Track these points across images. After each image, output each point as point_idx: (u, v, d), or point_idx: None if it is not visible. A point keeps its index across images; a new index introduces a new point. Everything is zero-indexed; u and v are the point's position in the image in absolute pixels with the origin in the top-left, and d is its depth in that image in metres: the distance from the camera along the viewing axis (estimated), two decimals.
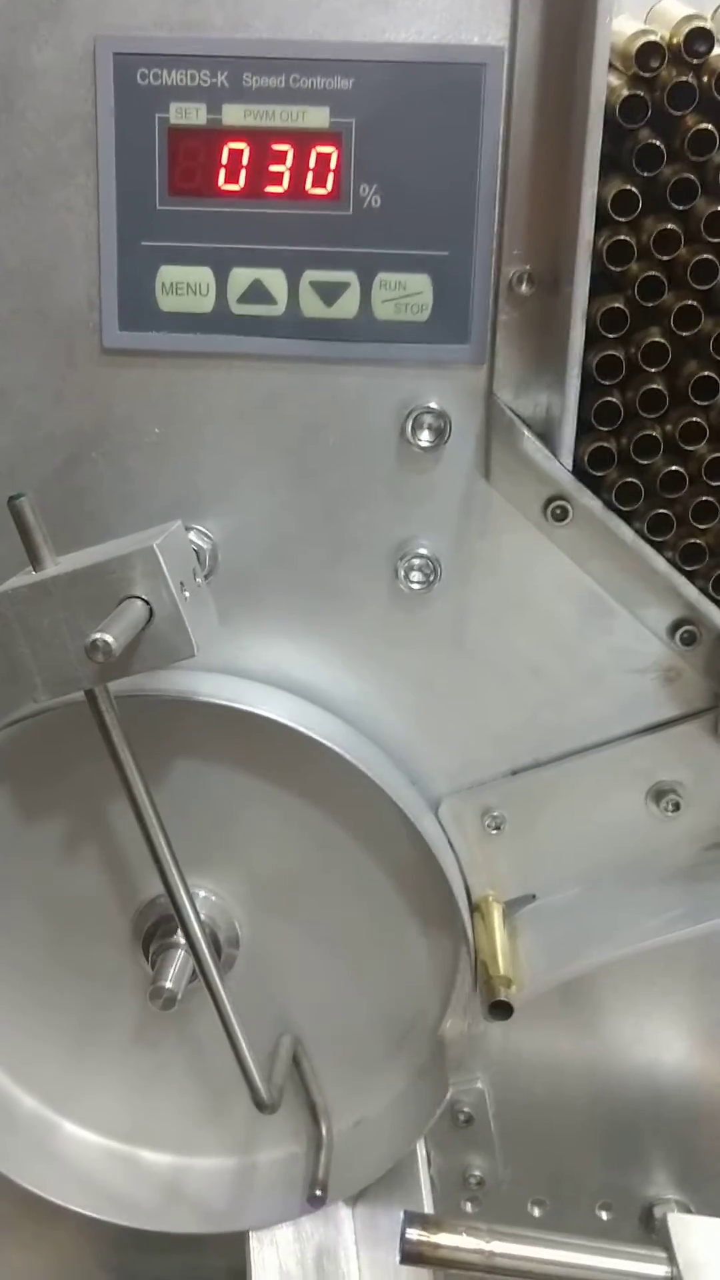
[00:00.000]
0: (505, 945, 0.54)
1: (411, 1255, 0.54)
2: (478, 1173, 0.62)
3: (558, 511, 0.49)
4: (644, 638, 0.53)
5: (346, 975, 0.58)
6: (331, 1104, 0.59)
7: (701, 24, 0.40)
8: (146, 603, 0.42)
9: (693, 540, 0.46)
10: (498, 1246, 0.54)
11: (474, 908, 0.56)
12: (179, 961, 0.53)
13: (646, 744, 0.55)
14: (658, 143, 0.41)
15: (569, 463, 0.46)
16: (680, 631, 0.52)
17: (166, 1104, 0.61)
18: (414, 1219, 0.55)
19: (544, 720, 0.56)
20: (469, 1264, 0.54)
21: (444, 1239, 0.54)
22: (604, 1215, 0.63)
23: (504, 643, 0.54)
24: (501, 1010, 0.52)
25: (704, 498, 0.45)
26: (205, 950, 0.51)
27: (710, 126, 0.41)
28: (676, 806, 0.55)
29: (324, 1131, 0.59)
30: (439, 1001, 0.58)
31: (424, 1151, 0.61)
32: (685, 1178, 0.62)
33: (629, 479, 0.45)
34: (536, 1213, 0.63)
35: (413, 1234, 0.54)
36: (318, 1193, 0.56)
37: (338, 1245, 0.60)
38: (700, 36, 0.40)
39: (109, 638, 0.39)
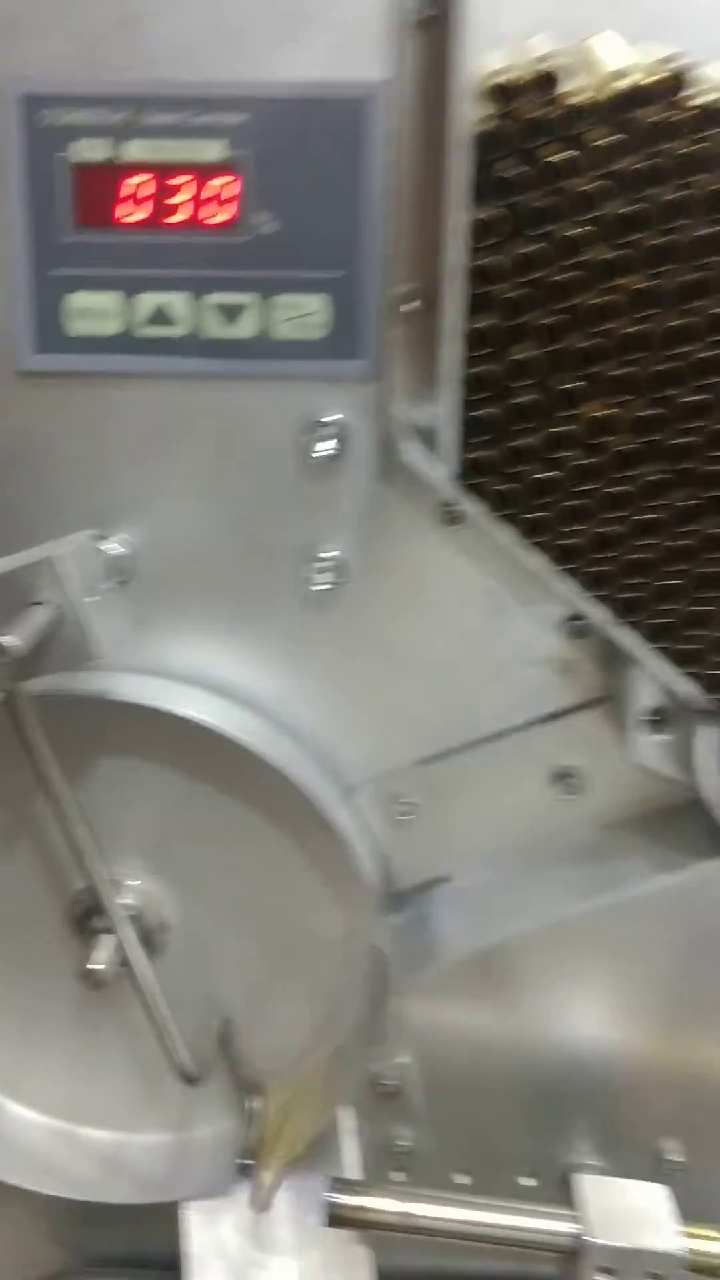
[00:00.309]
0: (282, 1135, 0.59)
1: (336, 1218, 0.58)
2: (405, 1143, 0.65)
3: (449, 516, 0.53)
4: (539, 632, 0.57)
5: (274, 958, 0.61)
6: (263, 1080, 0.62)
7: (549, 67, 0.43)
8: (52, 607, 0.45)
9: (569, 541, 0.49)
10: (416, 1208, 0.58)
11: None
12: (108, 945, 0.57)
13: (547, 731, 0.58)
14: (507, 174, 0.44)
15: (451, 470, 0.49)
16: (571, 626, 0.56)
17: (107, 1084, 0.64)
18: (338, 1184, 0.58)
19: (451, 711, 0.59)
20: (390, 1225, 0.58)
21: (366, 1202, 0.58)
22: (527, 1182, 0.66)
23: (411, 639, 0.58)
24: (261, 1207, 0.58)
25: (576, 502, 0.48)
26: (128, 934, 0.54)
27: (569, 153, 0.44)
28: (576, 788, 0.59)
29: (254, 1107, 0.62)
30: (359, 981, 0.61)
31: (353, 1124, 0.64)
32: (604, 1144, 0.65)
33: (511, 484, 0.49)
34: (463, 1180, 0.66)
35: (336, 1198, 0.58)
36: (247, 1163, 0.59)
37: (272, 1214, 0.63)
38: (547, 77, 0.43)
39: (10, 640, 0.42)
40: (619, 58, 0.45)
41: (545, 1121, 0.65)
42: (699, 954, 0.60)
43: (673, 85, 0.43)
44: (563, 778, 0.59)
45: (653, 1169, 0.63)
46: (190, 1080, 0.56)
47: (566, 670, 0.57)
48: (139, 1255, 0.69)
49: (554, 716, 0.58)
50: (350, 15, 0.49)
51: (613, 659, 0.55)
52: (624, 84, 0.43)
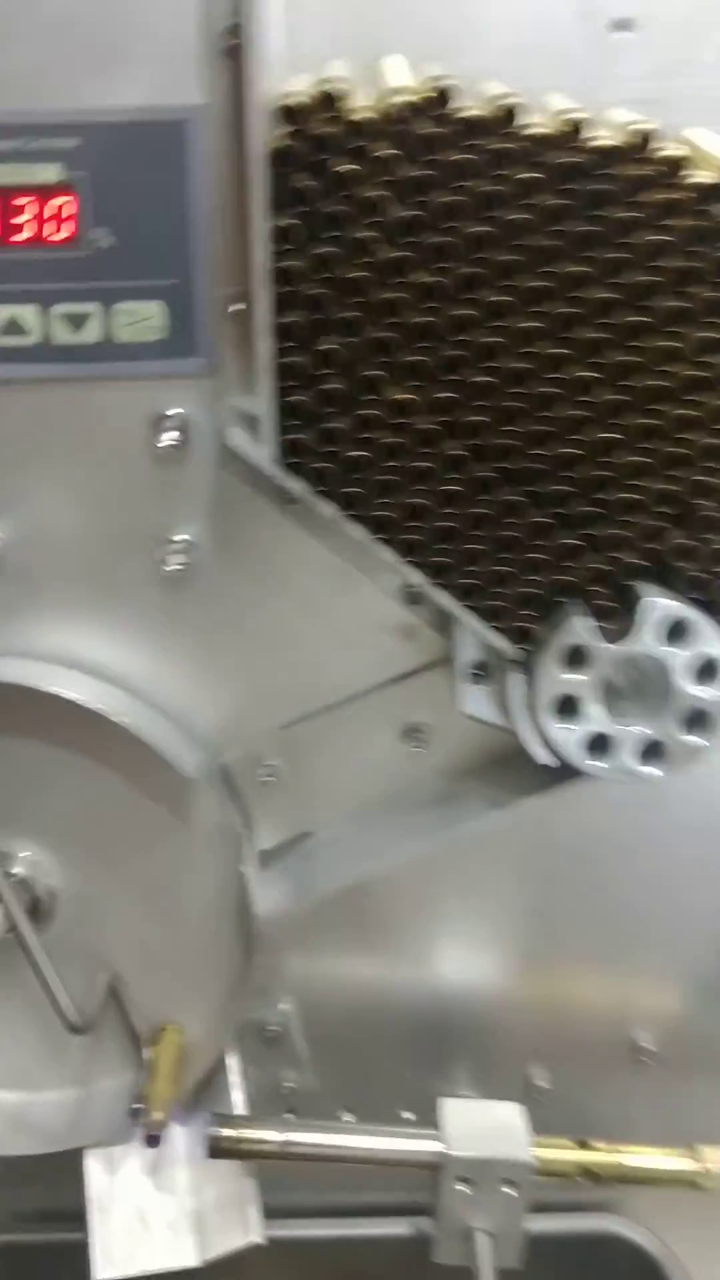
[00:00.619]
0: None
1: (217, 1150, 0.63)
2: (290, 1084, 0.70)
3: (285, 496, 0.58)
4: (381, 601, 0.62)
5: (157, 918, 0.66)
6: (153, 1029, 0.67)
7: (330, 88, 0.48)
8: None
9: (382, 513, 0.54)
10: (292, 1136, 0.63)
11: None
12: None
13: (395, 692, 0.64)
14: (300, 185, 0.49)
15: (272, 453, 0.54)
16: (408, 593, 0.61)
17: (8, 1044, 0.68)
18: (218, 1119, 0.63)
19: (306, 678, 0.64)
20: (268, 1153, 0.63)
21: (244, 1133, 0.63)
22: (408, 1115, 0.71)
23: (265, 612, 0.62)
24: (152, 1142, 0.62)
25: (385, 477, 0.53)
26: (11, 901, 0.60)
27: (353, 165, 0.49)
28: (423, 743, 0.64)
29: (144, 1056, 0.66)
30: (236, 934, 0.66)
31: (238, 1067, 0.68)
32: (476, 1075, 0.70)
33: (326, 464, 0.54)
34: (349, 1119, 0.71)
35: (216, 1131, 0.62)
36: (137, 1106, 0.64)
37: (170, 1156, 0.68)
38: (329, 97, 0.48)
39: None
40: (399, 77, 0.50)
41: (420, 1057, 0.70)
42: (545, 886, 0.66)
43: (439, 100, 0.48)
44: (411, 733, 0.64)
45: (522, 1095, 0.68)
46: (76, 1030, 0.61)
47: (408, 635, 0.63)
48: (52, 1210, 0.74)
49: (400, 678, 0.64)
50: (167, 47, 0.53)
51: (446, 621, 0.61)
52: (399, 100, 0.49)
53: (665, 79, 0.54)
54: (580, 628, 0.55)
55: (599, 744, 0.56)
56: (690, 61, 0.54)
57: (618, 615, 0.56)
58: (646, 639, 0.55)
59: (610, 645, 0.55)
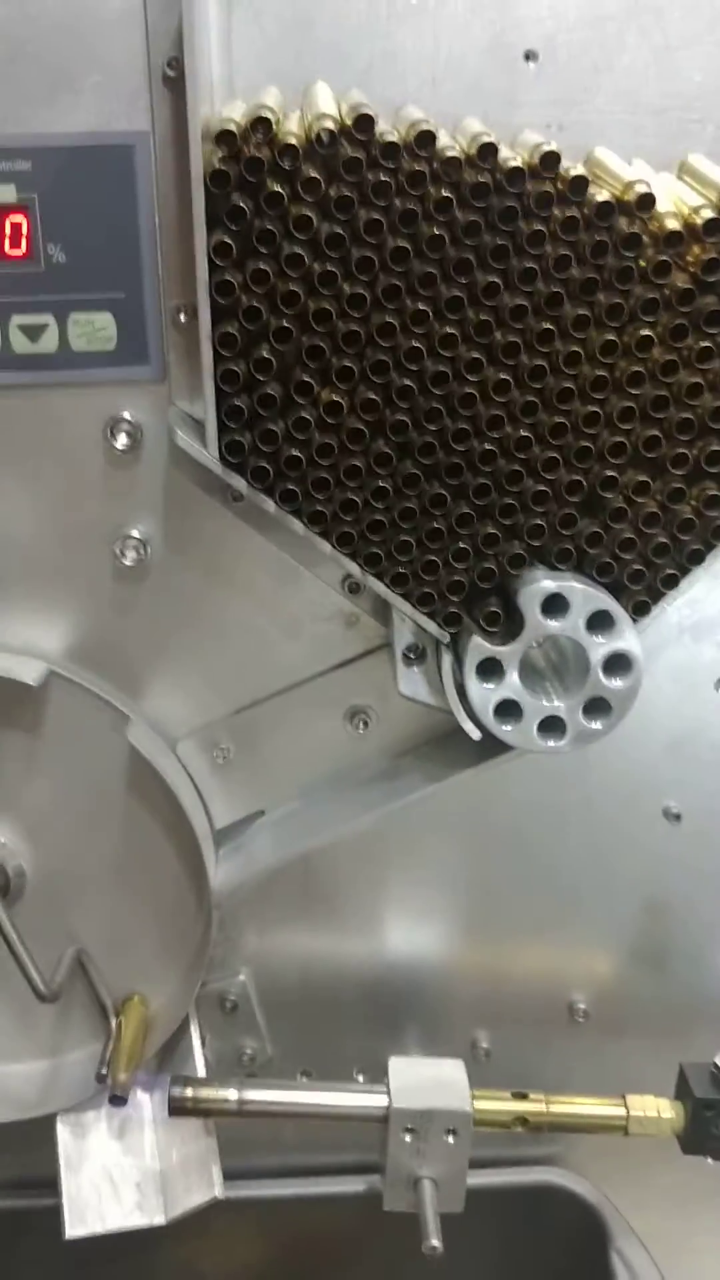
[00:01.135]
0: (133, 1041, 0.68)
1: (177, 1108, 0.66)
2: (249, 1051, 0.74)
3: (231, 494, 0.62)
4: (325, 591, 0.66)
5: (122, 895, 0.70)
6: (119, 1000, 0.71)
7: (262, 114, 0.52)
8: None
9: (318, 508, 0.59)
10: (248, 1094, 0.67)
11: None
12: None
13: (340, 677, 0.68)
14: (237, 204, 0.53)
15: (215, 453, 0.58)
16: (347, 582, 0.65)
17: None
18: (178, 1080, 0.67)
19: (256, 666, 0.68)
20: (225, 1110, 0.66)
21: (203, 1092, 0.66)
22: (361, 1077, 0.75)
23: (215, 604, 0.67)
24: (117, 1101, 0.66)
25: (320, 474, 0.58)
26: None
27: (281, 187, 0.53)
28: (367, 724, 0.68)
29: (112, 1025, 0.70)
30: (197, 910, 0.70)
31: (198, 1035, 0.72)
32: (423, 1038, 0.75)
33: (265, 463, 0.58)
34: (305, 1081, 0.75)
35: (176, 1091, 0.66)
36: (103, 1071, 0.68)
37: (137, 1120, 0.72)
38: (261, 122, 0.52)
39: None
40: (326, 105, 0.55)
41: (372, 1023, 0.74)
42: (484, 860, 0.70)
43: (363, 126, 0.53)
44: (355, 715, 0.68)
45: (469, 1057, 0.72)
46: (43, 998, 0.65)
47: (350, 623, 0.67)
48: (25, 1178, 0.77)
49: (344, 664, 0.68)
50: (114, 78, 0.57)
51: (385, 609, 0.65)
52: (326, 126, 0.53)
53: (571, 104, 0.58)
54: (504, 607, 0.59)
55: (512, 710, 0.61)
56: (593, 88, 0.58)
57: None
58: (556, 622, 0.59)
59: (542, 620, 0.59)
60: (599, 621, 0.58)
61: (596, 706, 0.60)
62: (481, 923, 0.73)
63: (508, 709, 0.60)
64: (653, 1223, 0.74)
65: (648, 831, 0.71)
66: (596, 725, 0.61)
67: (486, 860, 0.71)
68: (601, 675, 0.59)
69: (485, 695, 0.60)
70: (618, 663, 0.59)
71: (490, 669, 0.60)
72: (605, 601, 0.58)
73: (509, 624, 0.60)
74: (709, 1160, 0.67)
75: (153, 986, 0.71)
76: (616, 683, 0.60)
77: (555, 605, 0.58)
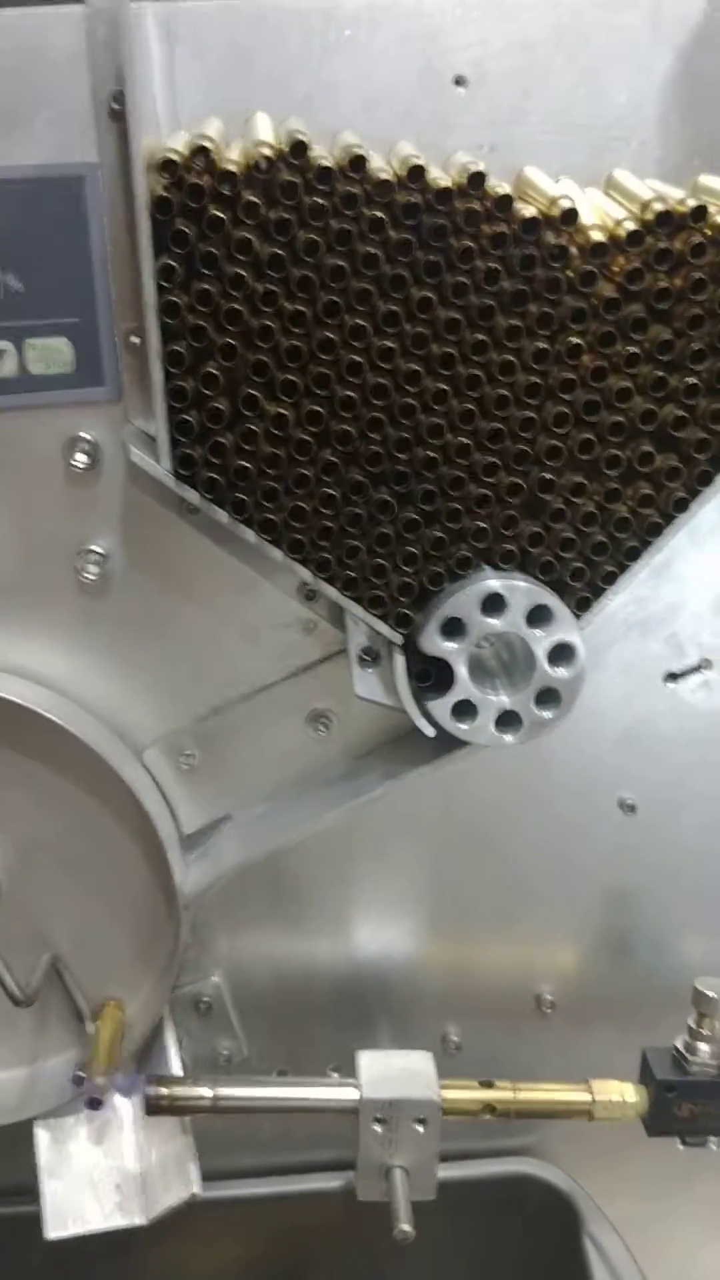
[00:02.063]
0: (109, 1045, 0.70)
1: (154, 1107, 0.68)
2: (225, 1051, 0.76)
3: (187, 506, 0.64)
4: (282, 599, 0.68)
5: (94, 902, 0.72)
6: (94, 1007, 0.73)
7: (202, 142, 0.55)
8: None
9: (269, 516, 0.61)
10: (223, 1091, 0.68)
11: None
12: None
13: (300, 682, 0.70)
14: (179, 229, 0.56)
15: (168, 467, 0.60)
16: (303, 590, 0.67)
17: None
18: (154, 1079, 0.69)
19: (218, 674, 0.70)
20: (200, 1108, 0.68)
21: (178, 1091, 0.68)
22: (335, 1075, 0.76)
23: (177, 615, 0.69)
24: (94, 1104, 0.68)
25: (269, 484, 0.60)
26: None
27: (221, 212, 0.56)
28: (328, 727, 0.70)
29: (88, 1030, 0.72)
30: (167, 914, 0.71)
31: (174, 1036, 0.74)
32: (395, 1034, 0.76)
33: (216, 475, 0.60)
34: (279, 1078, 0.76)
35: (152, 1090, 0.68)
36: (80, 1073, 0.69)
37: (116, 1122, 0.73)
38: (200, 150, 0.55)
39: None
40: (264, 133, 0.57)
41: (344, 1020, 0.76)
42: (447, 857, 0.72)
43: (298, 151, 0.55)
44: (316, 719, 0.70)
45: (440, 1051, 0.74)
46: (18, 1003, 0.67)
47: (308, 629, 0.69)
48: (5, 1185, 0.78)
49: (303, 669, 0.70)
50: (64, 113, 0.60)
51: (341, 615, 0.67)
52: (263, 152, 0.55)
53: (502, 126, 0.61)
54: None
55: (466, 709, 0.63)
56: (522, 110, 0.61)
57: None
58: (497, 620, 0.61)
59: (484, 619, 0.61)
60: (540, 615, 0.61)
61: (547, 697, 0.63)
62: (447, 918, 0.75)
63: (463, 708, 0.63)
64: (625, 1208, 0.76)
65: (604, 823, 0.73)
66: (548, 715, 0.63)
67: (450, 857, 0.73)
68: (547, 666, 0.61)
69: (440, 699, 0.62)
70: (562, 653, 0.62)
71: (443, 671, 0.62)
72: (544, 596, 0.60)
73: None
74: (679, 1146, 0.69)
75: (127, 990, 0.73)
76: (562, 672, 0.62)
77: (495, 604, 0.60)
